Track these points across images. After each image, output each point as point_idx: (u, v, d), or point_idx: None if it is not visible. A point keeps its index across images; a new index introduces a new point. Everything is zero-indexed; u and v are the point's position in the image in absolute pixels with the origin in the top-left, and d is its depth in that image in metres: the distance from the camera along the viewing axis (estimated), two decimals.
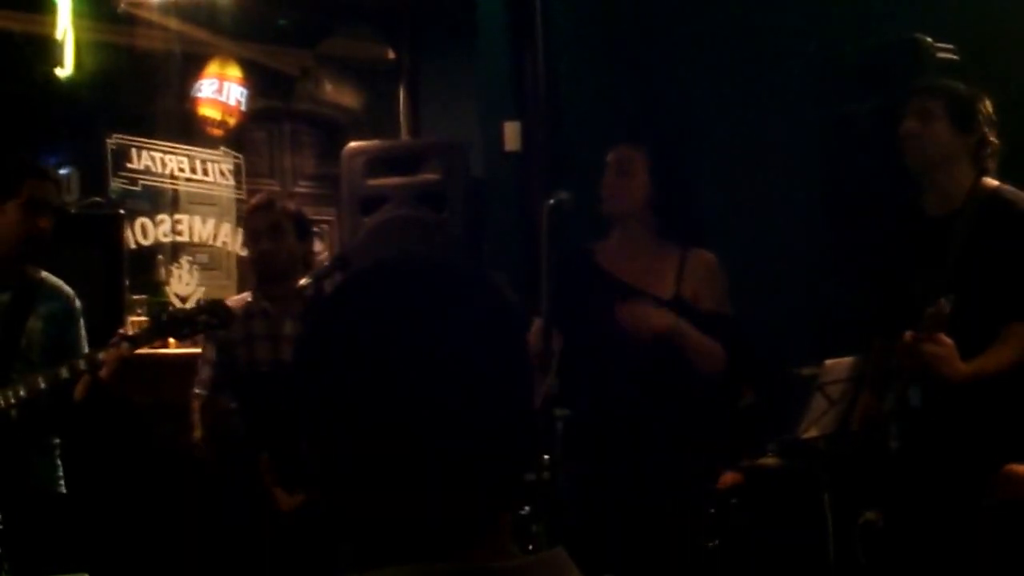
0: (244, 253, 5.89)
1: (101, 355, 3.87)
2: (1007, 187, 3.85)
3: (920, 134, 3.85)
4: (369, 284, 1.25)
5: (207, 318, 4.05)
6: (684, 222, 4.22)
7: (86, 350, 4.13)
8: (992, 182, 3.86)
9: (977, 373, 3.63)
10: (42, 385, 3.87)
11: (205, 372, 4.56)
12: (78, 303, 4.21)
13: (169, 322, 4.05)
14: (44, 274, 4.16)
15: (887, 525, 3.97)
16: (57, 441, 4.18)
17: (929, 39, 5.05)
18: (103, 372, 3.85)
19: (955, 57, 5.04)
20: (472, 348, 1.19)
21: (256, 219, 4.56)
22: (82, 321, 4.21)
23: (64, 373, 3.87)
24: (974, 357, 3.64)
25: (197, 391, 4.57)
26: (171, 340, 4.68)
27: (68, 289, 4.21)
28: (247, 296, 4.67)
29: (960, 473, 3.67)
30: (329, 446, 1.18)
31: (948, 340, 3.60)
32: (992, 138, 3.87)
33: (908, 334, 3.65)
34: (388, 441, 1.16)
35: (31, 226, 3.96)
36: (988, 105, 3.95)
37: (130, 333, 4.01)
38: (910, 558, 3.85)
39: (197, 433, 4.53)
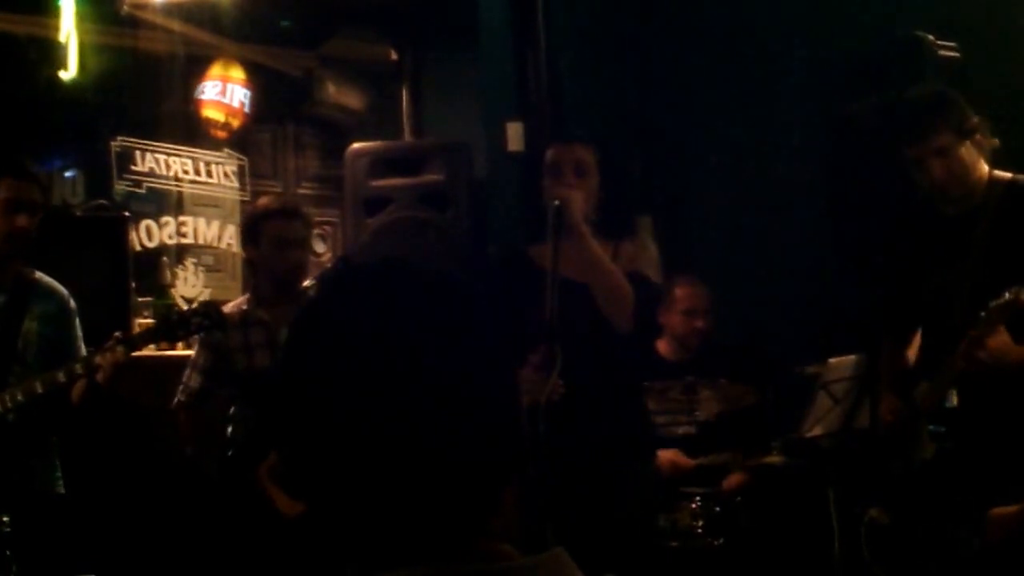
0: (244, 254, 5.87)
1: (98, 359, 3.87)
2: (1022, 177, 3.85)
3: (951, 173, 3.80)
4: (351, 290, 1.25)
5: (201, 320, 4.06)
6: (622, 218, 4.21)
7: (83, 350, 4.13)
8: (1005, 174, 3.85)
9: None
10: (39, 389, 3.87)
11: (195, 380, 4.54)
12: (73, 303, 4.21)
13: (164, 325, 4.06)
14: (38, 274, 4.16)
15: (893, 523, 3.96)
16: (55, 441, 4.18)
17: (931, 37, 5.06)
18: (100, 376, 3.86)
19: (957, 55, 5.04)
20: (454, 352, 1.20)
21: (286, 227, 4.47)
22: (78, 321, 4.21)
23: (61, 377, 3.88)
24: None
25: (182, 399, 4.54)
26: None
27: (63, 289, 4.20)
28: (242, 303, 4.64)
29: (995, 473, 3.65)
30: (317, 451, 1.19)
31: (1003, 328, 3.59)
32: (976, 119, 3.86)
33: (974, 331, 3.61)
34: (373, 445, 1.16)
35: (9, 225, 3.95)
36: (959, 95, 3.94)
37: (126, 336, 4.01)
38: (920, 557, 3.85)
39: (190, 447, 4.52)
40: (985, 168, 3.86)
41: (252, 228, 4.56)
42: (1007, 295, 3.53)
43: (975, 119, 3.84)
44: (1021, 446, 3.65)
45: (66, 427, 4.17)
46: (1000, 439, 3.68)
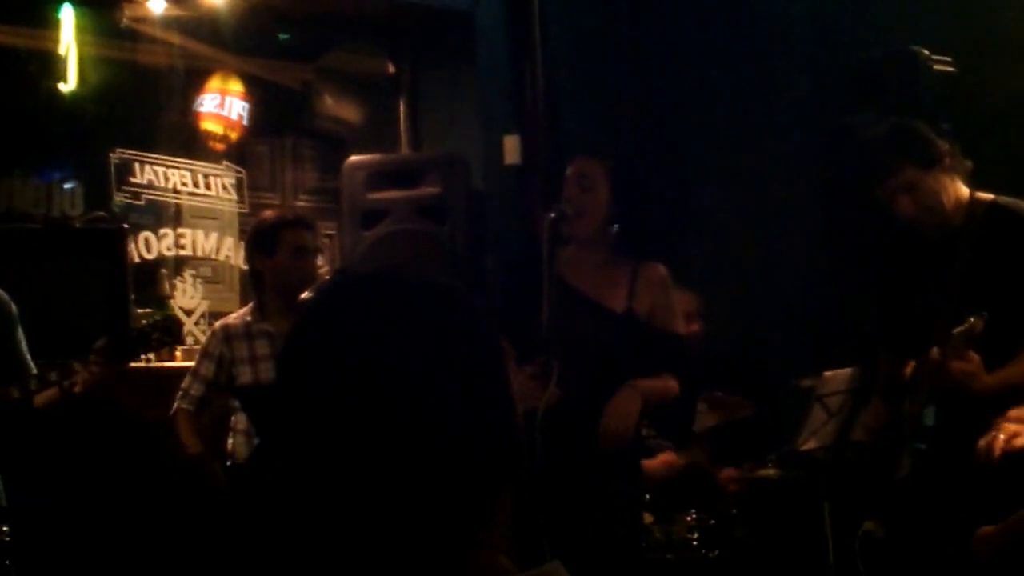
0: (247, 266, 5.85)
1: (76, 365, 3.87)
2: (1003, 198, 3.84)
3: (921, 207, 3.77)
4: (346, 300, 1.26)
5: (160, 335, 4.06)
6: (640, 235, 4.20)
7: (27, 355, 4.13)
8: (986, 196, 3.85)
9: (1002, 384, 3.61)
10: None
11: (196, 389, 4.55)
12: (14, 307, 4.20)
13: (123, 343, 4.02)
14: None
15: (887, 536, 3.97)
16: None
17: (926, 51, 5.08)
18: (77, 387, 3.86)
19: (951, 69, 5.07)
20: (449, 361, 1.21)
21: (304, 236, 4.58)
22: (20, 325, 4.19)
23: (14, 393, 3.87)
24: (994, 368, 3.61)
25: (183, 406, 4.55)
26: (176, 354, 4.67)
27: (2, 294, 4.19)
28: (246, 314, 4.65)
29: (968, 494, 3.65)
30: (313, 459, 1.19)
31: (975, 356, 3.57)
32: (947, 143, 3.84)
33: (935, 351, 3.63)
34: (368, 454, 1.17)
35: None
36: (919, 125, 3.92)
37: (95, 352, 3.97)
38: (910, 570, 3.85)
39: (194, 450, 4.51)
40: (964, 191, 3.82)
41: (267, 238, 4.57)
42: (966, 324, 3.54)
43: (941, 146, 3.81)
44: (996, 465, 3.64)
45: (30, 436, 4.14)
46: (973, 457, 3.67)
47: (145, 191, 6.80)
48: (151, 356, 5.61)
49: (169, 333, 4.05)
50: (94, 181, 6.61)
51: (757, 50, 6.28)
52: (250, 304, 4.75)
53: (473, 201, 6.22)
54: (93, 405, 3.94)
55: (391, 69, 7.31)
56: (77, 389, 3.85)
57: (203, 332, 6.15)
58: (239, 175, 7.21)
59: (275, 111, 7.43)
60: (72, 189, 6.54)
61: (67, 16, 6.41)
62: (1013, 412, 3.55)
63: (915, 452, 3.80)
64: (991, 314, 3.55)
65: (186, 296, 6.80)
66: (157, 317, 4.32)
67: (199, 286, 6.88)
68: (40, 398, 3.95)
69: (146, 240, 6.76)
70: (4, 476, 4.01)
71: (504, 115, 6.40)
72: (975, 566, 3.53)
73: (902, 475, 3.82)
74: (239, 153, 7.26)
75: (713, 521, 5.01)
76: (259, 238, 4.64)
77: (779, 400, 5.30)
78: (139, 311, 5.95)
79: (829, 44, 5.96)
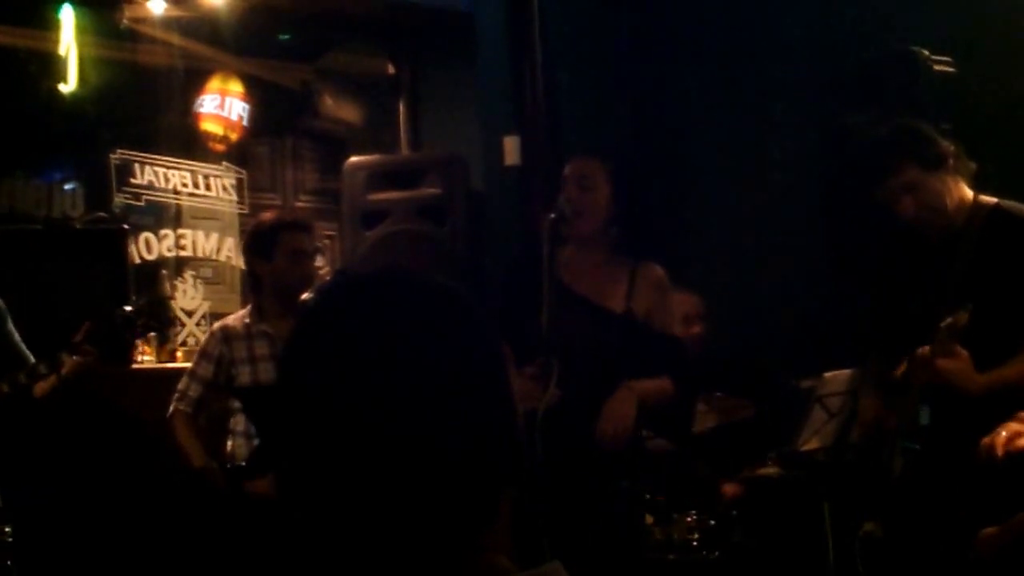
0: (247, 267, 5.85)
1: (64, 356, 3.87)
2: (1006, 202, 3.83)
3: (923, 207, 3.75)
4: (347, 298, 1.26)
5: (146, 320, 4.05)
6: (640, 235, 4.20)
7: (21, 345, 4.14)
8: (990, 199, 3.83)
9: (995, 383, 3.58)
10: None
11: (194, 390, 4.54)
12: (1, 303, 4.20)
13: (108, 326, 4.02)
14: None
15: (887, 537, 3.97)
16: None
17: (925, 52, 5.09)
18: (64, 369, 3.87)
19: (951, 69, 5.07)
20: (449, 360, 1.20)
21: (301, 239, 4.55)
22: (9, 320, 4.20)
23: (4, 388, 3.88)
24: (989, 370, 3.59)
25: (180, 408, 4.54)
26: (178, 355, 4.67)
27: None
28: (245, 316, 4.66)
29: (966, 494, 3.65)
30: (312, 459, 1.19)
31: (964, 352, 3.54)
32: (952, 144, 3.82)
33: (923, 349, 3.62)
34: (369, 453, 1.16)
35: None
36: (923, 125, 3.90)
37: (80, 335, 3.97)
38: (910, 571, 3.85)
39: (198, 462, 4.48)
40: (968, 193, 3.79)
41: (264, 241, 4.56)
42: (950, 318, 3.52)
43: (945, 147, 3.79)
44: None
45: (30, 436, 4.15)
46: (969, 457, 3.65)
47: (145, 192, 6.81)
48: (147, 351, 5.64)
49: (156, 318, 4.05)
50: (94, 182, 6.63)
51: (757, 50, 6.28)
52: (248, 306, 4.75)
53: (473, 201, 6.22)
54: (93, 404, 3.95)
55: (391, 69, 7.32)
56: (64, 370, 3.86)
57: (204, 333, 6.15)
58: (239, 176, 7.23)
59: (275, 111, 7.44)
60: (73, 190, 6.55)
61: (67, 16, 6.42)
62: (1022, 413, 3.53)
63: (909, 452, 3.79)
64: (990, 317, 3.54)
65: (187, 297, 6.81)
66: (143, 302, 4.30)
67: (200, 287, 6.89)
68: (39, 388, 3.96)
69: (146, 241, 6.77)
70: (5, 474, 4.01)
71: (504, 115, 6.40)
72: (975, 566, 3.52)
73: (896, 475, 3.81)
74: (239, 154, 7.27)
75: (713, 522, 5.00)
76: (256, 242, 4.63)
77: (779, 400, 5.30)
78: None
79: (829, 44, 5.96)
